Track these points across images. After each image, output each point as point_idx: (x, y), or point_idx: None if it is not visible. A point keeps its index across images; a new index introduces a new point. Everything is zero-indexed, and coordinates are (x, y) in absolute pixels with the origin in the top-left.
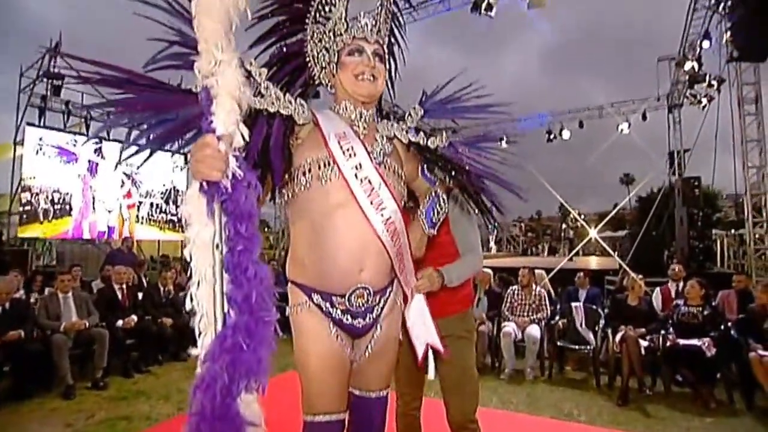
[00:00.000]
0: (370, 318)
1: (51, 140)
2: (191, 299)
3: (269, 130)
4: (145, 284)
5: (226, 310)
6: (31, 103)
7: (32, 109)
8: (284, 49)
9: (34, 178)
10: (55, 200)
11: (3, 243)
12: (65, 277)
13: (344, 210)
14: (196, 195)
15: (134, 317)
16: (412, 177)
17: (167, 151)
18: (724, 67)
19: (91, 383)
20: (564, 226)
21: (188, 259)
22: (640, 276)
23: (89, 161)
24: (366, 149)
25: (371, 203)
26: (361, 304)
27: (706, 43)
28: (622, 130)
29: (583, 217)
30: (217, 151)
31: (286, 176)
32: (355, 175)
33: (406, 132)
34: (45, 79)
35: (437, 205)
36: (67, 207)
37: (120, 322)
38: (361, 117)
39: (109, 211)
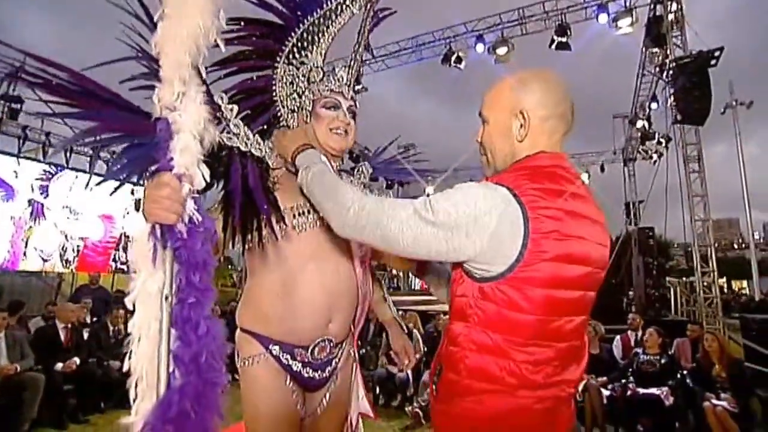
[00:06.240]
0: (328, 370)
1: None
2: (129, 358)
3: (245, 170)
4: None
5: (171, 370)
6: None
7: None
8: (249, 83)
9: None
10: None
11: None
12: None
13: (317, 261)
14: (146, 239)
15: (76, 360)
16: None
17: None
18: (670, 128)
19: None
20: None
21: (130, 310)
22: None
23: (30, 201)
24: None
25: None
26: (322, 357)
27: (654, 105)
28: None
29: None
30: (176, 192)
31: None
32: None
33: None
34: (2, 102)
35: None
36: None
37: (59, 365)
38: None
39: (45, 261)
